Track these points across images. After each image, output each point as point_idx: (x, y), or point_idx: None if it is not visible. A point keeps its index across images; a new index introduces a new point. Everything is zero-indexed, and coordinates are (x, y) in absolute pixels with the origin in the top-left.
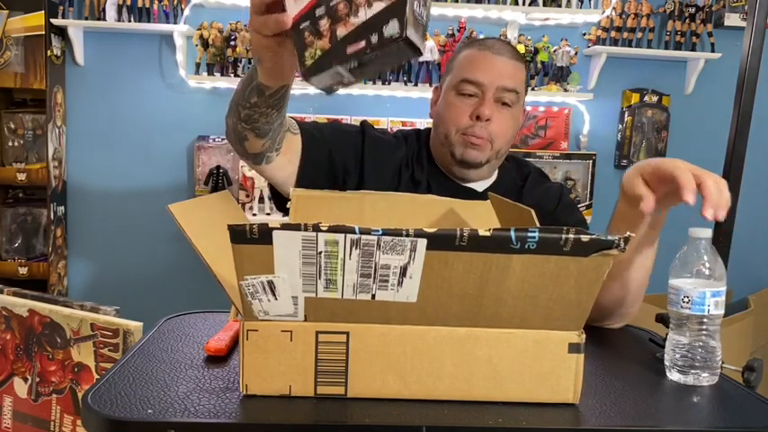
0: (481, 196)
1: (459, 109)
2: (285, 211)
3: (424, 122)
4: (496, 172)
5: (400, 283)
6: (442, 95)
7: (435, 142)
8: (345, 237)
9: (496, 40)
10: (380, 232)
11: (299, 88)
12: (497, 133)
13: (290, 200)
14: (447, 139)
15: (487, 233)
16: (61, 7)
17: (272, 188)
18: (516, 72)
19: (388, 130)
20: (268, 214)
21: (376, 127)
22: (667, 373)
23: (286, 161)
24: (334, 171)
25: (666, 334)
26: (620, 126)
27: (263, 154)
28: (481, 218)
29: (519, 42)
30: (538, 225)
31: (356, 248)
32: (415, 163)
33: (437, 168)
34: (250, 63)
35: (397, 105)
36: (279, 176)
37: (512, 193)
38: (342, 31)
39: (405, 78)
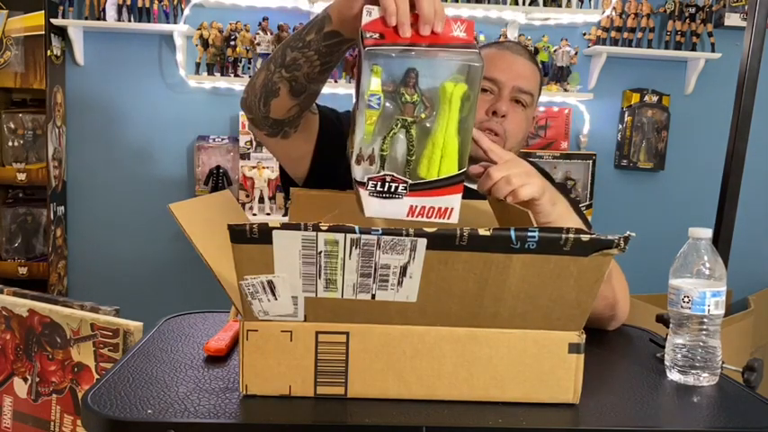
0: (483, 196)
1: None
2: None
3: None
4: None
5: (400, 283)
6: None
7: None
8: (345, 236)
9: (515, 43)
10: (380, 232)
11: None
12: (511, 131)
13: (298, 184)
14: None
15: (487, 233)
16: (61, 7)
17: (281, 172)
18: (532, 75)
19: None
20: (268, 214)
21: None
22: (667, 373)
23: (302, 140)
24: (347, 157)
25: (666, 334)
26: (621, 126)
27: (283, 125)
28: (481, 218)
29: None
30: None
31: (356, 248)
32: None
33: None
34: (250, 63)
35: None
36: (293, 154)
37: None
38: None
39: None
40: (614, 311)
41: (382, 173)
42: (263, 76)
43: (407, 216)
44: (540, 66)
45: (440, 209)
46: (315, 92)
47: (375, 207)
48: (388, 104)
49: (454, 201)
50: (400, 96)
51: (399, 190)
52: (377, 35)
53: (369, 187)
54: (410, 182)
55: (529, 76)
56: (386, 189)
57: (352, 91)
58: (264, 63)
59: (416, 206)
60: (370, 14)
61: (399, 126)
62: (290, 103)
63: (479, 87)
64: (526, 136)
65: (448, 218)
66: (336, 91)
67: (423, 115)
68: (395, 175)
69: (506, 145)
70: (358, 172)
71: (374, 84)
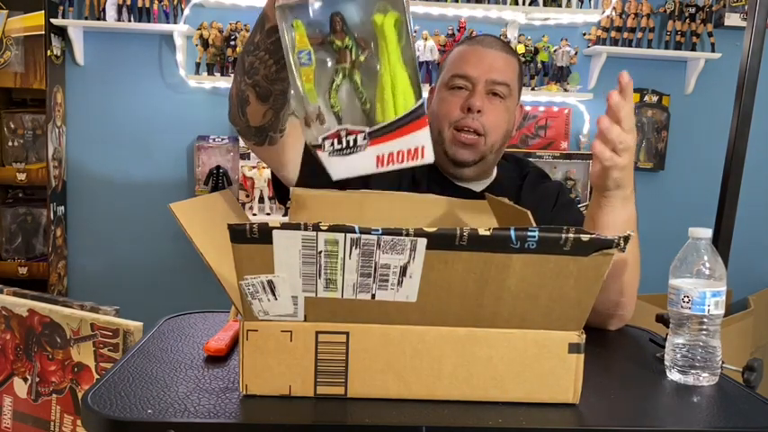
0: (479, 197)
1: (451, 103)
2: (286, 204)
3: None
4: (495, 171)
5: (400, 283)
6: (435, 94)
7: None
8: (345, 236)
9: (487, 36)
10: (380, 232)
11: None
12: (490, 126)
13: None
14: (440, 136)
15: (487, 232)
16: (61, 7)
17: (274, 179)
18: (507, 65)
19: None
20: (268, 214)
21: None
22: (667, 373)
23: (289, 144)
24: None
25: (666, 334)
26: None
27: (266, 131)
28: (481, 217)
29: (519, 42)
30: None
31: (356, 248)
32: None
33: (435, 169)
34: None
35: None
36: (282, 159)
37: (510, 194)
38: None
39: None
40: (622, 311)
41: (336, 128)
42: (234, 87)
43: (377, 167)
44: (519, 56)
45: (409, 151)
46: (282, 92)
47: (340, 168)
48: (323, 57)
49: (422, 137)
50: (331, 44)
51: (359, 141)
52: None
53: (326, 148)
54: (368, 129)
55: (502, 68)
56: (345, 145)
57: None
58: (234, 76)
59: (383, 154)
60: None
61: (341, 76)
62: (262, 109)
63: (407, 4)
64: (511, 128)
65: (422, 157)
66: None
67: (361, 58)
68: (349, 127)
69: (488, 140)
70: (310, 135)
71: (299, 39)
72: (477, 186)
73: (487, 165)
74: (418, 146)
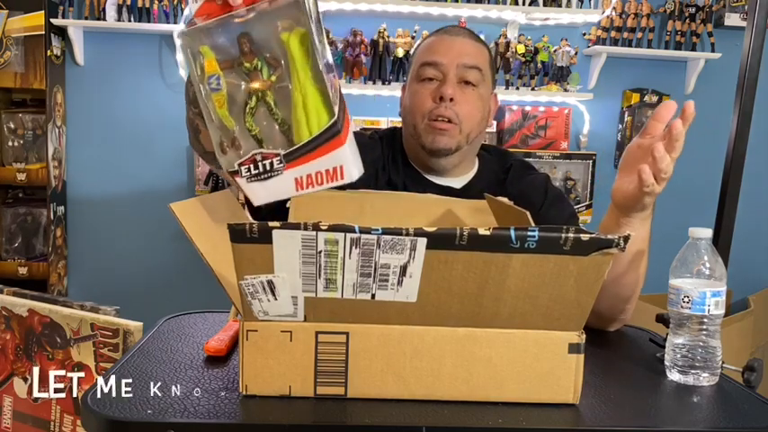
0: (460, 193)
1: (422, 94)
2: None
3: None
4: (476, 165)
5: (400, 283)
6: (407, 89)
7: (406, 137)
8: (345, 236)
9: (454, 26)
10: (380, 231)
11: None
12: (465, 114)
13: (263, 208)
14: (415, 130)
15: (487, 232)
16: (61, 7)
17: (247, 202)
18: (476, 51)
19: (377, 129)
20: None
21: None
22: (667, 373)
23: None
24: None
25: (666, 334)
26: (620, 126)
27: None
28: (480, 217)
29: (519, 42)
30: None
31: (356, 248)
32: (391, 165)
33: (413, 169)
34: None
35: (396, 105)
36: None
37: (494, 188)
38: None
39: (404, 78)
40: (624, 315)
41: (251, 153)
42: (188, 117)
43: (297, 190)
44: (489, 46)
45: (328, 171)
46: None
47: (260, 193)
48: (236, 81)
49: (340, 156)
50: (241, 67)
51: (275, 165)
52: (203, 18)
53: (243, 174)
54: (283, 152)
55: (472, 53)
56: (261, 169)
57: (352, 91)
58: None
59: (302, 177)
60: (197, 0)
61: (255, 99)
62: None
63: (313, 17)
64: (485, 117)
65: (341, 178)
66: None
67: (273, 78)
68: (263, 151)
69: (462, 130)
70: (225, 161)
71: (207, 65)
72: (458, 183)
73: (464, 156)
74: (336, 165)
